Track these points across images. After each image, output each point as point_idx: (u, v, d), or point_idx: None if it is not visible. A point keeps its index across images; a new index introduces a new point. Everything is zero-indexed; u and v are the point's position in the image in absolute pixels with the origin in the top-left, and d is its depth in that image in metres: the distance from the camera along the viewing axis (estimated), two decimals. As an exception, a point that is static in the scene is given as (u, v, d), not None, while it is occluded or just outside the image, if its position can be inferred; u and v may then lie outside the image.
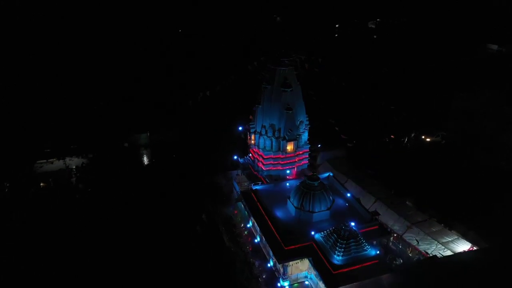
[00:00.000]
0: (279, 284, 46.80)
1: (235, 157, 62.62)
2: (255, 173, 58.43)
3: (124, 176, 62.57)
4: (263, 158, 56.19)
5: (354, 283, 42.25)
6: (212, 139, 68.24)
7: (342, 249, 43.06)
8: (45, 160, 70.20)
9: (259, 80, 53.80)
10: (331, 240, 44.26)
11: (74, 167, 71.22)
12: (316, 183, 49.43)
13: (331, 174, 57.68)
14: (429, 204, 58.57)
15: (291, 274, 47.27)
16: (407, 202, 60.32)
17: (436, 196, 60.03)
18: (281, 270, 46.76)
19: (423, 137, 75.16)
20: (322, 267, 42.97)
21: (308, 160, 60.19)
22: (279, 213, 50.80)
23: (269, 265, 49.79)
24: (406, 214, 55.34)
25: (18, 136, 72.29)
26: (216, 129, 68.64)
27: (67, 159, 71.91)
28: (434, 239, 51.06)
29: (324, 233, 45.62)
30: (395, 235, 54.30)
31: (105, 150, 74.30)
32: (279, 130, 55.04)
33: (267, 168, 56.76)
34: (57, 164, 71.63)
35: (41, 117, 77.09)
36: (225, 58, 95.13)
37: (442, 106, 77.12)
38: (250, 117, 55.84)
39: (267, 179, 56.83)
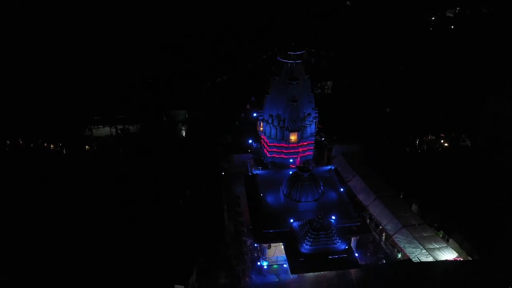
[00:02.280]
0: (258, 263, 50.68)
1: (250, 141, 66.56)
2: (262, 158, 62.01)
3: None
4: (268, 145, 59.53)
5: (321, 272, 45.01)
6: (227, 123, 72.67)
7: (311, 239, 45.71)
8: (93, 126, 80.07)
9: (266, 71, 56.50)
10: (304, 229, 47.07)
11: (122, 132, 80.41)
12: (305, 175, 51.90)
13: (332, 167, 59.39)
14: (435, 210, 57.84)
15: (272, 255, 50.89)
16: (413, 206, 60.24)
17: (444, 203, 58.69)
18: (262, 250, 50.69)
19: (442, 141, 72.35)
20: (290, 253, 46.10)
21: (313, 151, 62.20)
22: (270, 198, 54.22)
23: (256, 244, 53.69)
24: (401, 216, 55.39)
25: (74, 102, 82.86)
26: (231, 114, 72.71)
27: (113, 127, 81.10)
28: (420, 243, 51.04)
29: (301, 222, 48.42)
30: (384, 234, 55.11)
31: (146, 122, 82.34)
32: (283, 120, 57.78)
33: (271, 155, 60.05)
34: (104, 130, 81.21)
35: (95, 87, 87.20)
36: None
37: (473, 108, 73.12)
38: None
39: (269, 166, 60.16)
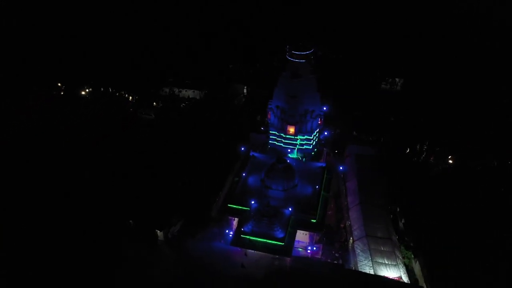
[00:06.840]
0: (226, 231, 58.64)
1: None
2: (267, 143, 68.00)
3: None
4: (270, 133, 65.20)
5: (256, 251, 51.14)
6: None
7: (254, 222, 51.78)
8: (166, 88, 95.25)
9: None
10: (254, 212, 53.24)
11: (188, 96, 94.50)
12: (280, 166, 56.89)
13: (323, 165, 62.50)
14: (416, 230, 57.36)
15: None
16: (400, 223, 60.22)
17: (428, 226, 57.52)
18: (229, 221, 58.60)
19: (449, 159, 66.79)
20: (238, 228, 53.21)
21: (312, 145, 65.60)
22: (252, 180, 60.55)
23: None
24: (372, 226, 56.43)
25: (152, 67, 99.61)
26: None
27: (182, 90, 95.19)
28: (371, 255, 52.45)
29: (257, 205, 54.53)
30: (351, 238, 57.27)
31: (209, 89, 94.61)
32: (285, 113, 62.43)
33: (272, 142, 65.59)
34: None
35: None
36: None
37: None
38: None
39: (268, 151, 66.01)
